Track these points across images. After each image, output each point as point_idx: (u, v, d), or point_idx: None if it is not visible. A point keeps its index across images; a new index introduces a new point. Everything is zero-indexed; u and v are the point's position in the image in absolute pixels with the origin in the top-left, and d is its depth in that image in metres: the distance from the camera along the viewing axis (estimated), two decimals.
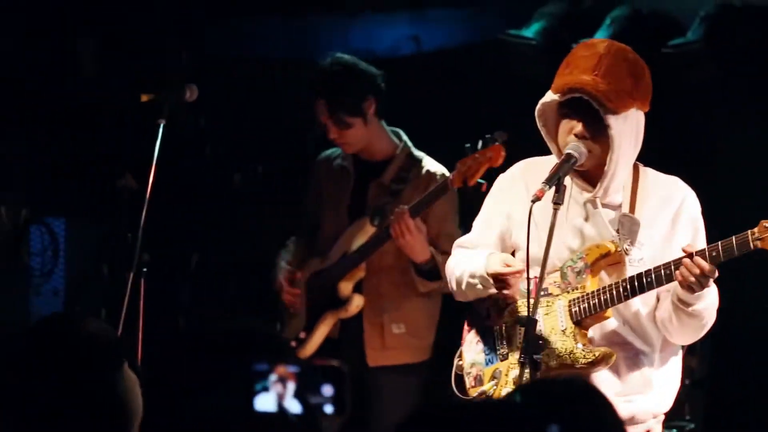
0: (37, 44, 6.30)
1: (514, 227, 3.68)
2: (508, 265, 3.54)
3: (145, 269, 4.45)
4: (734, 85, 5.29)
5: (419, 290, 4.69)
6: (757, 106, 5.18)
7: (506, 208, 3.71)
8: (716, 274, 3.35)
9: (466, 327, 3.80)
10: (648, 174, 3.63)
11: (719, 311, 3.52)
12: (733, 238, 3.32)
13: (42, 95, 6.30)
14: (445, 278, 4.60)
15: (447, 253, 4.69)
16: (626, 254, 3.50)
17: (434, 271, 4.62)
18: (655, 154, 3.71)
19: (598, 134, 3.49)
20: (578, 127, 3.49)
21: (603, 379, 3.53)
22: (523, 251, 3.53)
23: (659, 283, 3.43)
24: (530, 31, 5.38)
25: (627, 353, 3.56)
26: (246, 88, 6.32)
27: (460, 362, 3.76)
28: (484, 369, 3.68)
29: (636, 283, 3.44)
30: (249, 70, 6.35)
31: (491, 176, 3.94)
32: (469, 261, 3.70)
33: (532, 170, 3.67)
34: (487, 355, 3.69)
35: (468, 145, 4.35)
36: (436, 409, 1.82)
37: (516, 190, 3.68)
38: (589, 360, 3.48)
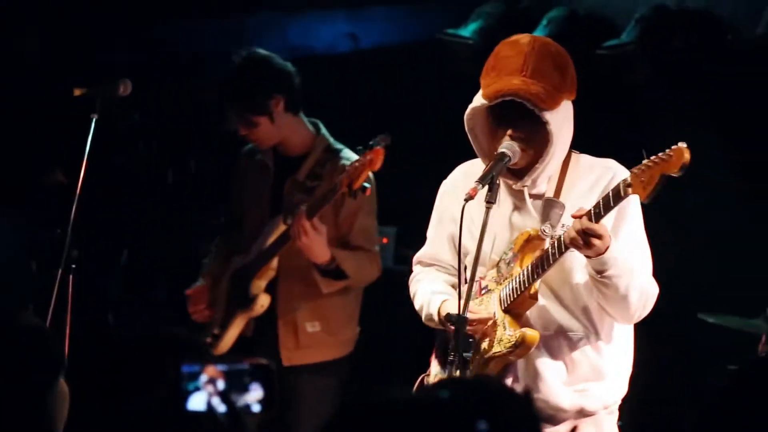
0: None
1: (458, 233, 3.69)
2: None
3: (74, 265, 4.39)
4: (669, 86, 5.35)
5: (322, 291, 4.64)
6: (690, 108, 5.24)
7: (452, 213, 3.72)
8: (601, 231, 3.33)
9: (435, 348, 3.81)
10: (581, 160, 3.65)
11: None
12: (610, 190, 3.35)
13: None
14: (355, 275, 4.63)
15: (362, 248, 4.68)
16: (547, 237, 3.51)
17: (338, 271, 4.59)
18: (591, 153, 3.73)
19: (532, 132, 3.51)
20: (513, 130, 3.50)
21: (552, 369, 3.55)
22: (471, 255, 3.54)
23: (560, 251, 3.43)
24: (467, 31, 5.39)
25: (570, 340, 3.56)
26: (181, 84, 6.27)
27: (428, 377, 3.76)
28: (443, 377, 3.69)
29: (543, 257, 3.46)
30: (184, 66, 6.31)
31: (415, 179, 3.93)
32: (427, 299, 3.71)
33: (475, 171, 3.67)
34: (445, 365, 3.71)
35: (359, 147, 4.38)
36: (361, 407, 1.81)
37: (459, 192, 3.68)
38: (513, 342, 3.49)
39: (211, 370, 2.05)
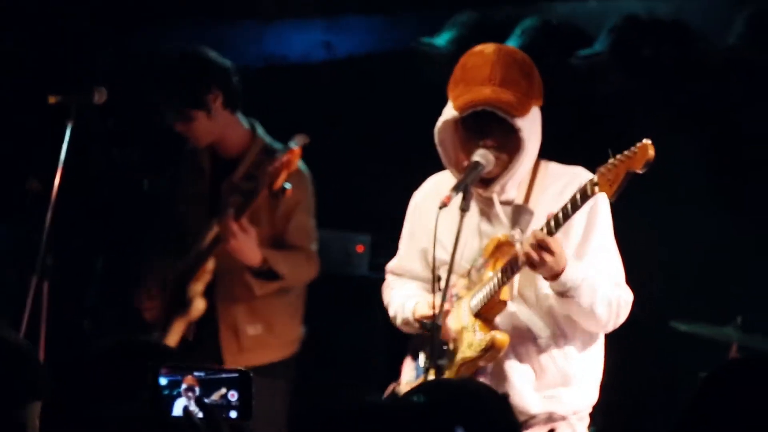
0: None
1: (431, 245, 3.71)
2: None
3: (49, 273, 4.38)
4: (641, 95, 5.40)
5: (256, 293, 4.60)
6: (662, 116, 5.29)
7: (422, 225, 3.74)
8: (553, 247, 3.36)
9: (406, 356, 3.83)
10: (549, 167, 3.69)
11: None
12: (578, 189, 3.38)
13: None
14: (289, 275, 4.56)
15: (298, 247, 4.61)
16: (517, 242, 3.53)
17: (271, 272, 4.55)
18: (563, 162, 3.77)
19: (504, 140, 3.54)
20: (487, 139, 3.53)
21: (520, 374, 3.58)
22: (443, 265, 3.57)
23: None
24: (442, 40, 5.43)
25: (539, 346, 3.59)
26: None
27: (398, 386, 3.78)
28: (413, 384, 3.70)
29: (510, 263, 3.49)
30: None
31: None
32: (400, 303, 3.74)
33: (446, 183, 3.70)
34: (417, 371, 3.73)
35: (281, 148, 4.39)
36: (336, 413, 1.83)
37: (430, 204, 3.71)
38: (483, 346, 3.52)
39: (189, 378, 2.07)
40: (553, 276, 3.41)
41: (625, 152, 3.28)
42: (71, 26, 6.18)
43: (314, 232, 4.73)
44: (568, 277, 3.41)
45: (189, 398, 2.07)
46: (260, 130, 4.74)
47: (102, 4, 6.08)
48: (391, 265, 3.91)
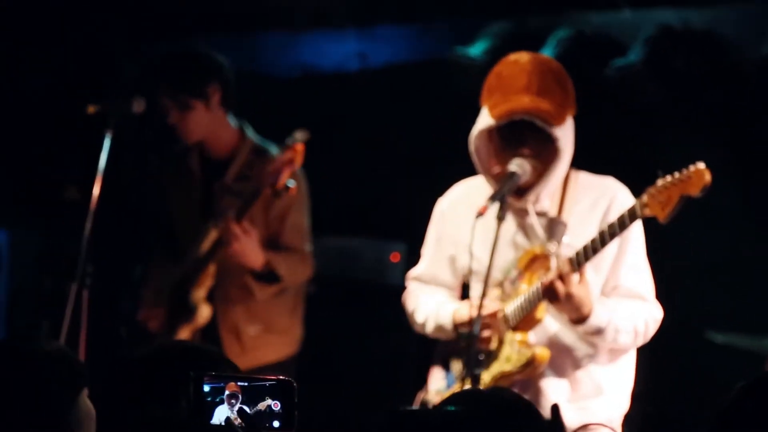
0: None
1: (460, 251, 3.72)
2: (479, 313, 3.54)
3: (88, 280, 4.42)
4: (675, 106, 5.38)
5: (257, 297, 4.58)
6: (696, 127, 5.27)
7: (451, 232, 3.75)
8: (572, 279, 3.40)
9: (433, 365, 3.83)
10: (580, 178, 3.69)
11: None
12: (626, 211, 3.36)
13: None
14: (288, 276, 4.53)
15: (293, 248, 4.56)
16: (552, 255, 3.55)
17: (271, 275, 4.52)
18: (598, 173, 3.77)
19: (540, 149, 3.55)
20: (524, 148, 3.54)
21: (555, 387, 3.59)
22: (475, 274, 3.58)
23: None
24: (476, 50, 5.43)
25: (573, 358, 3.60)
26: None
27: (425, 395, 3.78)
28: (445, 393, 3.71)
29: (548, 287, 3.50)
30: None
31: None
32: (434, 309, 3.74)
33: (472, 191, 3.71)
34: (447, 380, 3.73)
35: (279, 146, 4.34)
36: (371, 421, 1.84)
37: (458, 212, 3.71)
38: (523, 361, 3.53)
39: (232, 386, 2.08)
40: (578, 320, 3.44)
41: (678, 175, 3.27)
42: (109, 37, 6.23)
43: (309, 232, 4.70)
44: (592, 324, 3.46)
45: (231, 406, 2.06)
46: (249, 131, 4.72)
47: (139, 15, 6.13)
48: (415, 272, 3.90)
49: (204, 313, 4.60)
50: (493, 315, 3.57)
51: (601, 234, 3.39)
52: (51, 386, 2.35)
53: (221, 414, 2.06)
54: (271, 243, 4.58)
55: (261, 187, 4.35)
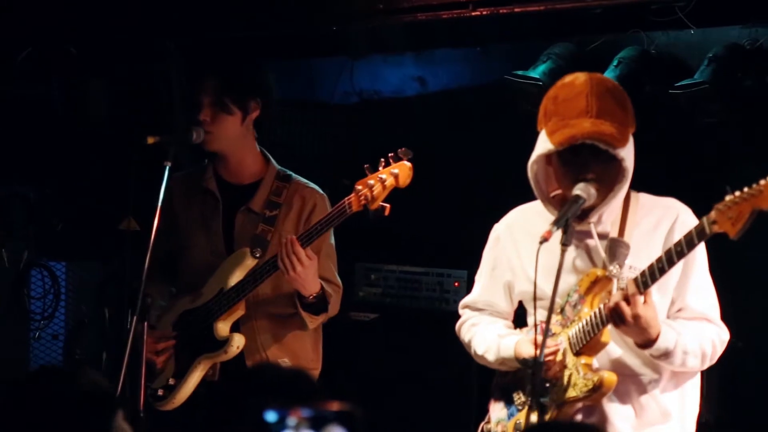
0: (42, 86, 6.30)
1: (517, 277, 3.66)
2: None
3: (147, 313, 4.37)
4: (742, 127, 5.27)
5: (308, 328, 4.44)
6: (764, 148, 5.16)
7: (507, 258, 3.69)
8: (638, 300, 3.31)
9: (493, 394, 3.77)
10: (640, 199, 3.63)
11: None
12: (693, 228, 3.27)
13: (44, 137, 6.28)
14: (331, 308, 4.41)
15: (326, 279, 4.38)
16: (614, 278, 3.47)
17: (321, 304, 4.41)
18: (664, 194, 3.69)
19: (604, 171, 3.48)
20: (589, 173, 3.46)
21: (620, 414, 3.52)
22: (530, 301, 3.52)
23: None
24: (537, 72, 5.36)
25: (638, 384, 3.54)
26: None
27: (488, 425, 3.72)
28: (507, 423, 3.66)
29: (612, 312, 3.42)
30: None
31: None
32: (494, 341, 3.68)
33: (529, 215, 3.66)
34: (509, 409, 3.67)
35: (367, 165, 4.10)
36: None
37: (515, 237, 3.66)
38: (590, 386, 3.45)
39: (296, 414, 2.03)
40: (645, 344, 3.36)
41: (748, 189, 3.17)
42: (168, 68, 6.26)
43: (336, 262, 4.58)
44: (660, 346, 3.40)
45: None
46: (272, 160, 4.63)
47: (198, 45, 6.15)
48: (468, 300, 3.85)
49: (239, 343, 4.42)
50: (554, 352, 3.50)
51: (668, 253, 3.30)
52: (81, 417, 2.36)
53: None
54: None
55: (348, 207, 4.13)
